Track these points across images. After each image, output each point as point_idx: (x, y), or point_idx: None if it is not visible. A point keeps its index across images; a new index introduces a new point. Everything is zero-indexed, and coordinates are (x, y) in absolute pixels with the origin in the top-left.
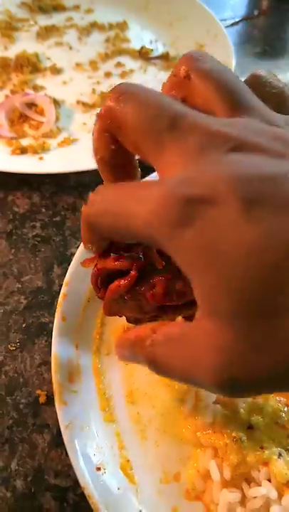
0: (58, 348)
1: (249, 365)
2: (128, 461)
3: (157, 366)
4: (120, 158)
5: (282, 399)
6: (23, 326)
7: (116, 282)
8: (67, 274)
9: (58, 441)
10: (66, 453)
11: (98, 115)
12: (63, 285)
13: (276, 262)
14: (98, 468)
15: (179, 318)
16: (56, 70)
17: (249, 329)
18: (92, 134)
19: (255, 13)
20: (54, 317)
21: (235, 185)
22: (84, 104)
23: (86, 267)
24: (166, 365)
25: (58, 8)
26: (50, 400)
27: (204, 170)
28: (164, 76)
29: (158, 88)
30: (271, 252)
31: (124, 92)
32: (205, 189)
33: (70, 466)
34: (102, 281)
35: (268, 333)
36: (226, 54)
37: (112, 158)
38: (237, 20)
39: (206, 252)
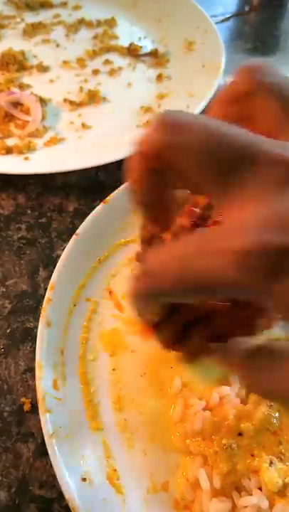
0: (42, 354)
1: None
2: (115, 470)
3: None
4: (162, 195)
5: (272, 404)
6: (8, 331)
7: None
8: (52, 277)
9: (42, 451)
10: (51, 463)
11: (140, 153)
12: (48, 289)
13: None
14: (84, 479)
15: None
16: (43, 68)
17: None
18: (128, 174)
19: (246, 9)
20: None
21: None
22: (71, 103)
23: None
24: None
25: (45, 4)
26: (35, 407)
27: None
28: (152, 73)
29: (147, 85)
30: None
31: (172, 123)
32: None
33: (55, 477)
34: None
35: None
36: (216, 51)
37: (155, 197)
38: (228, 16)
39: None
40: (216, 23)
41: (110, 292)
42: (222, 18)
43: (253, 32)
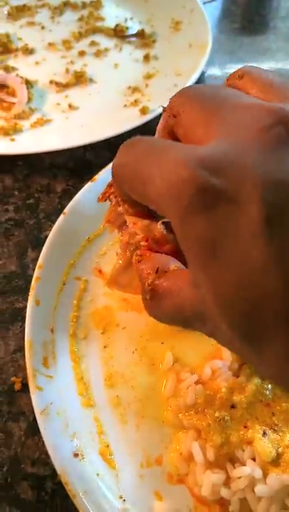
0: (31, 332)
1: None
2: (107, 446)
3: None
4: None
5: None
6: None
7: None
8: (41, 256)
9: (34, 429)
10: (43, 440)
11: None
12: (36, 268)
13: (273, 293)
14: (76, 455)
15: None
16: (28, 51)
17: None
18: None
19: None
20: None
21: (264, 190)
22: (57, 84)
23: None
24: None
25: None
26: (25, 387)
27: (236, 160)
28: (139, 54)
29: (134, 65)
30: (271, 280)
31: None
32: (230, 184)
33: (47, 454)
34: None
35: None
36: (203, 30)
37: None
38: None
39: (209, 249)
40: (204, 3)
41: (100, 271)
42: None
43: (240, 11)
